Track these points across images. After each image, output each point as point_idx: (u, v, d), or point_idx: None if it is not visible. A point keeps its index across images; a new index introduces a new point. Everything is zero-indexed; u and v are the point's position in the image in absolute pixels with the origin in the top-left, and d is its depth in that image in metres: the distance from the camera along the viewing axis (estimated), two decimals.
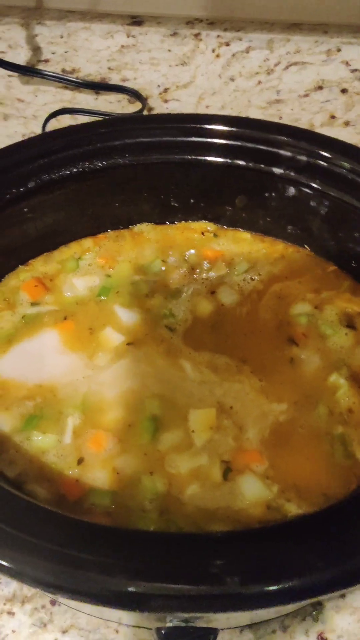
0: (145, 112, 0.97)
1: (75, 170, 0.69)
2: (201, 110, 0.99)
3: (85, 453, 0.58)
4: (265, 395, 0.62)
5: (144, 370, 0.63)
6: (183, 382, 0.63)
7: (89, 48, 0.93)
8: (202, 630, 0.52)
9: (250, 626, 0.61)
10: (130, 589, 0.42)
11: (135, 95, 0.95)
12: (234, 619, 0.59)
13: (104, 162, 0.69)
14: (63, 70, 0.95)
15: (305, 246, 0.73)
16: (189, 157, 0.71)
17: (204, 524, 0.54)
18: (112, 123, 0.74)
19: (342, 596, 0.63)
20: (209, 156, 0.71)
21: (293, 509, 0.55)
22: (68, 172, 0.68)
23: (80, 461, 0.58)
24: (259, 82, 0.96)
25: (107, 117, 0.91)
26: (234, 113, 0.99)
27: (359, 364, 0.63)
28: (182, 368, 0.64)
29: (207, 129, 0.71)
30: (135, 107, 0.97)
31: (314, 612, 0.61)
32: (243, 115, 0.99)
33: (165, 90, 0.96)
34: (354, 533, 0.45)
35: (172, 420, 0.60)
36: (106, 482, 0.56)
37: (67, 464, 0.57)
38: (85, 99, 0.98)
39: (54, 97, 0.98)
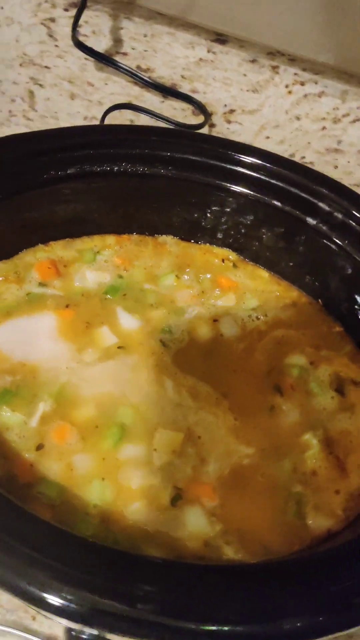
0: (206, 127, 0.98)
1: (117, 168, 0.70)
2: (260, 139, 0.99)
3: (46, 441, 0.58)
4: (236, 435, 0.61)
5: (127, 378, 0.64)
6: (160, 400, 0.63)
7: (168, 52, 0.94)
8: None
9: None
10: (50, 588, 0.42)
11: (200, 108, 0.96)
12: None
13: (146, 169, 0.70)
14: (138, 67, 0.96)
15: (319, 300, 0.73)
16: (229, 185, 0.71)
17: (141, 543, 0.54)
18: (166, 133, 0.75)
19: None
20: (249, 189, 0.71)
21: (230, 553, 0.54)
22: (108, 169, 0.69)
23: (39, 447, 0.58)
24: (323, 128, 0.96)
25: (169, 128, 0.91)
26: (290, 150, 0.99)
27: (336, 430, 0.63)
28: (164, 386, 0.64)
29: (255, 163, 0.71)
30: (198, 119, 0.97)
31: None
32: (299, 155, 0.99)
33: (231, 111, 0.97)
34: (284, 596, 0.44)
35: (138, 434, 0.60)
36: (58, 475, 0.57)
37: (27, 446, 0.58)
38: (152, 100, 0.99)
39: (122, 89, 0.99)
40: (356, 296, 0.68)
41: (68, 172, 0.68)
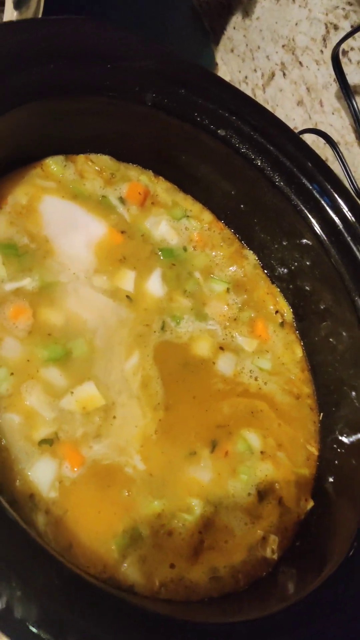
0: None
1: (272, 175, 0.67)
2: None
3: (1, 307, 0.57)
4: (142, 444, 0.57)
5: (109, 323, 0.62)
6: (115, 362, 0.60)
7: None
8: None
9: None
10: None
11: None
12: None
13: (296, 199, 0.67)
14: None
15: (321, 414, 0.67)
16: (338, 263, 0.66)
17: None
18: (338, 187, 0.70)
19: None
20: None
21: (40, 523, 0.51)
22: (266, 166, 0.67)
23: None
24: None
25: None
26: None
27: (223, 521, 0.57)
28: (130, 356, 0.61)
29: None
30: None
31: None
32: None
33: None
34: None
35: (72, 370, 0.58)
36: None
37: None
38: (355, 154, 0.95)
39: (340, 127, 0.96)
40: (343, 437, 0.62)
41: (241, 150, 0.67)
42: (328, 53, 0.96)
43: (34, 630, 0.39)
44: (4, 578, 0.39)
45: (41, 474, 0.53)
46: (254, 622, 0.47)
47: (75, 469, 0.54)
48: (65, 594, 0.42)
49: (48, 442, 0.54)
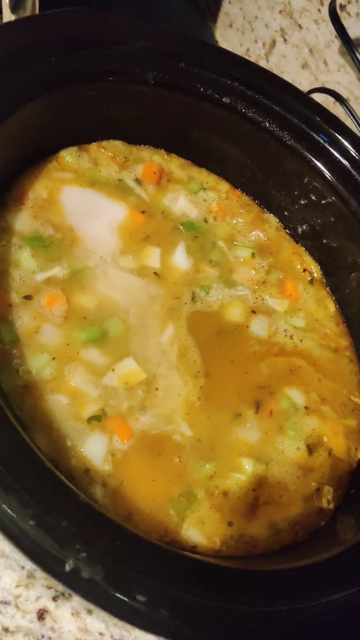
0: None
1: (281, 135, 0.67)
2: None
3: (37, 297, 0.59)
4: (187, 411, 0.59)
5: (140, 301, 0.63)
6: (152, 336, 0.62)
7: None
8: None
9: None
10: None
11: None
12: None
13: (309, 153, 0.67)
14: None
15: None
16: None
17: (37, 428, 0.54)
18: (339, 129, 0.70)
19: None
20: None
21: (98, 495, 0.53)
22: (278, 131, 0.67)
23: (27, 297, 0.59)
24: None
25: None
26: None
27: (276, 477, 0.58)
28: (164, 329, 0.62)
29: None
30: None
31: None
32: None
33: None
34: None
35: (111, 348, 0.60)
36: (22, 328, 0.58)
37: (19, 289, 0.59)
38: None
39: (348, 83, 0.95)
40: None
41: (248, 114, 0.67)
42: (325, 11, 0.95)
43: (103, 585, 0.41)
44: (68, 544, 0.41)
45: (93, 449, 0.55)
46: (314, 566, 0.48)
47: (126, 441, 0.56)
48: (128, 554, 0.43)
49: (96, 419, 0.56)
